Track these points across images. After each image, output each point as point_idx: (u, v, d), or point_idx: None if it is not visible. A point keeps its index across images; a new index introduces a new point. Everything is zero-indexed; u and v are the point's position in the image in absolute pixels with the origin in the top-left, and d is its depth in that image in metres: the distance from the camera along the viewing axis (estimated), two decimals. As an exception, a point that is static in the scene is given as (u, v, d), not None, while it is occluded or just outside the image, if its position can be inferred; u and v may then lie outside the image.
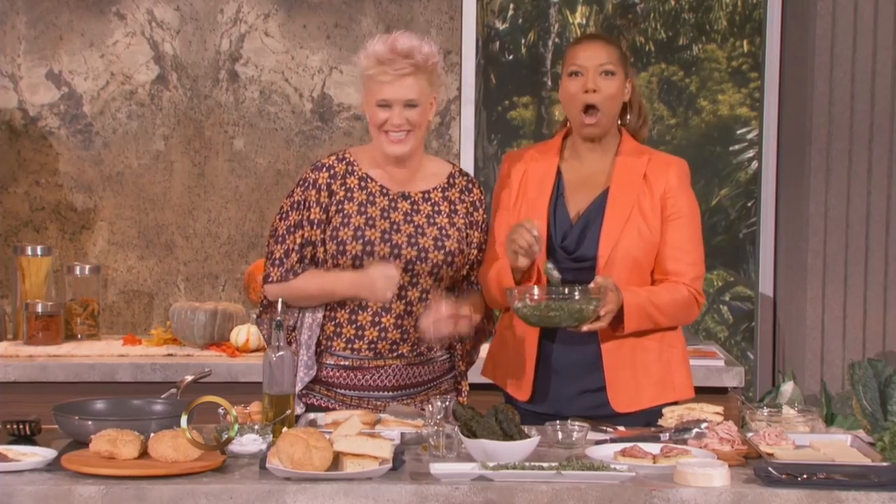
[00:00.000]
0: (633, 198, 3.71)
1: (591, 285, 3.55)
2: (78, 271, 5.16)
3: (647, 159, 3.76)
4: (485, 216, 3.81)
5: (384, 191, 3.71)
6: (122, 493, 2.93)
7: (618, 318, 3.62)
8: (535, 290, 3.56)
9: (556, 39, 5.56)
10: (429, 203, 3.73)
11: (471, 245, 3.76)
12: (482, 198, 3.82)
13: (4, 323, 5.22)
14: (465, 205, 3.78)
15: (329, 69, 5.33)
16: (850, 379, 4.34)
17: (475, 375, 4.66)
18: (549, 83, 5.53)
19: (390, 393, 3.71)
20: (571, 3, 5.56)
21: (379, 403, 3.69)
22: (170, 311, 4.97)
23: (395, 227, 3.67)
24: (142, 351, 4.85)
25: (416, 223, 3.69)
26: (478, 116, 5.48)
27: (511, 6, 5.56)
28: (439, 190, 3.76)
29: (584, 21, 5.55)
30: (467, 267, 3.78)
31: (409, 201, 3.71)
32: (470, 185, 3.82)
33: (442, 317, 3.57)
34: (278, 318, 3.43)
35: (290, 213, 3.69)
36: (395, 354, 3.70)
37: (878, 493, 2.94)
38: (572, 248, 3.70)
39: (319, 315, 3.72)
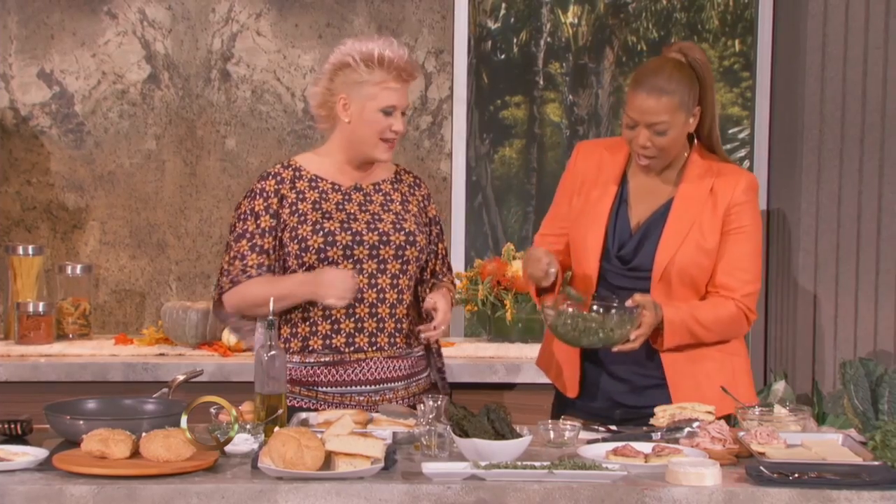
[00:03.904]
0: (696, 212, 3.65)
1: (629, 302, 3.53)
2: (69, 271, 5.15)
3: (716, 174, 3.68)
4: (436, 212, 3.86)
5: (336, 187, 3.74)
6: (114, 493, 2.93)
7: (659, 331, 3.59)
8: (570, 311, 3.53)
9: (548, 39, 5.56)
10: (381, 193, 3.78)
11: (432, 239, 3.81)
12: (429, 195, 3.87)
13: (-4, 322, 5.22)
14: (416, 198, 3.82)
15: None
16: (842, 378, 4.36)
17: (466, 375, 4.67)
18: (542, 82, 5.53)
19: (372, 387, 3.71)
20: (563, 3, 5.56)
21: (361, 399, 3.69)
22: (161, 311, 4.96)
23: (351, 216, 3.70)
24: (133, 350, 4.85)
25: (371, 211, 3.73)
26: (470, 116, 5.48)
27: (503, 5, 5.56)
28: (388, 182, 3.81)
29: (576, 20, 5.56)
30: (433, 259, 3.83)
31: (361, 193, 3.75)
32: (417, 181, 3.88)
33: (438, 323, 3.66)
34: (270, 317, 3.43)
35: (236, 224, 3.72)
36: (374, 347, 3.70)
37: (870, 492, 2.94)
38: (629, 258, 3.68)
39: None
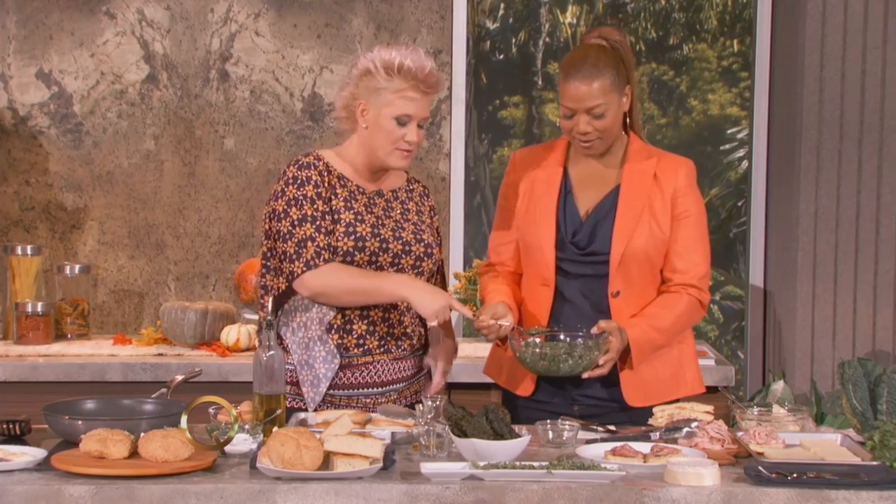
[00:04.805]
0: (645, 197, 3.72)
1: (595, 329, 3.59)
2: (68, 271, 5.15)
3: (657, 160, 3.77)
4: (438, 225, 3.88)
5: (361, 189, 3.72)
6: (113, 493, 2.93)
7: (626, 352, 3.66)
8: (538, 341, 3.58)
9: (547, 39, 5.56)
10: (398, 201, 3.78)
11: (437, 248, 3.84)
12: (434, 206, 3.89)
13: (-6, 323, 5.22)
14: (426, 208, 3.85)
15: (320, 69, 5.33)
16: (841, 378, 4.35)
17: (465, 375, 4.67)
18: (540, 82, 5.53)
19: (379, 389, 3.71)
20: (562, 3, 5.56)
21: (368, 401, 3.69)
22: (160, 311, 4.96)
23: (379, 221, 3.69)
24: (132, 351, 4.85)
25: (394, 218, 3.73)
26: (468, 116, 5.48)
27: (502, 6, 5.56)
28: (403, 191, 3.81)
29: (575, 21, 5.56)
30: (434, 268, 3.84)
31: (383, 198, 3.75)
32: (426, 192, 3.89)
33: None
34: (268, 317, 3.43)
35: (289, 211, 3.63)
36: (382, 349, 3.70)
37: (868, 493, 2.94)
38: (584, 243, 3.72)
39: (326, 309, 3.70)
